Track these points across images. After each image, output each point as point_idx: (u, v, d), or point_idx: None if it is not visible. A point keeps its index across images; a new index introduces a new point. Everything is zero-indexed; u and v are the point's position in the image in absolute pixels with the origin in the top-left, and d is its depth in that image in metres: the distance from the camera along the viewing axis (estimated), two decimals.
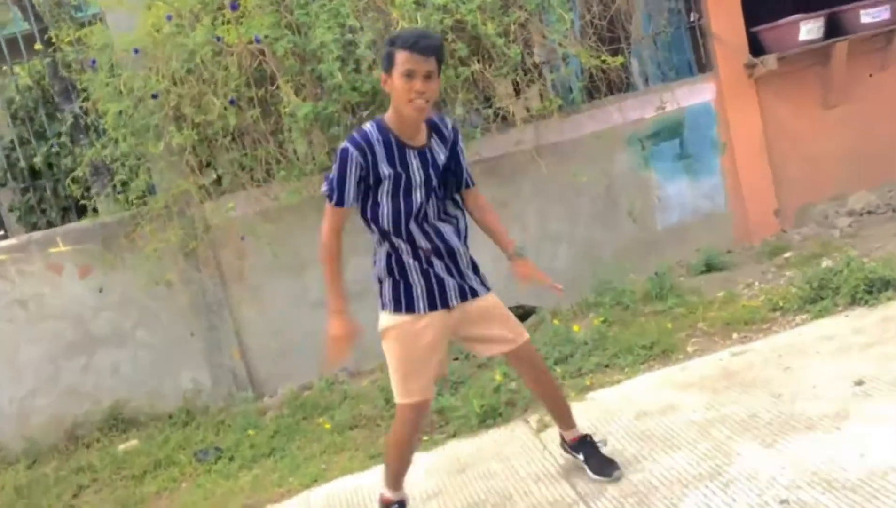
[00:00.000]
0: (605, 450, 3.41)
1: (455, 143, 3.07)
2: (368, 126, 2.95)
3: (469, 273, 3.12)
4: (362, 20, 4.90)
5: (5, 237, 6.02)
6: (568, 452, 3.46)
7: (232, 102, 5.01)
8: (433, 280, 3.01)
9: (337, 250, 2.96)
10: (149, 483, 4.73)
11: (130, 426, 5.43)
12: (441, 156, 3.01)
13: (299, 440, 4.77)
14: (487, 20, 5.05)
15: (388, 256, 3.02)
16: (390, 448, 3.25)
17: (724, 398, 3.79)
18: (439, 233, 3.02)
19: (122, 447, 5.15)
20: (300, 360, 5.61)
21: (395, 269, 3.01)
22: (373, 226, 3.00)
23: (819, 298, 4.64)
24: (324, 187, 2.96)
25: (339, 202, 2.92)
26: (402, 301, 3.00)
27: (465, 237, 3.14)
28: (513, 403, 4.37)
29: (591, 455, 3.35)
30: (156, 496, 4.60)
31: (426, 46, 2.80)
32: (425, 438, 4.22)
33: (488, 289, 3.17)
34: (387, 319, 3.05)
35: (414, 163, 2.94)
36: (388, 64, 2.84)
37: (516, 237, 5.83)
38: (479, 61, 5.18)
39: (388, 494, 3.29)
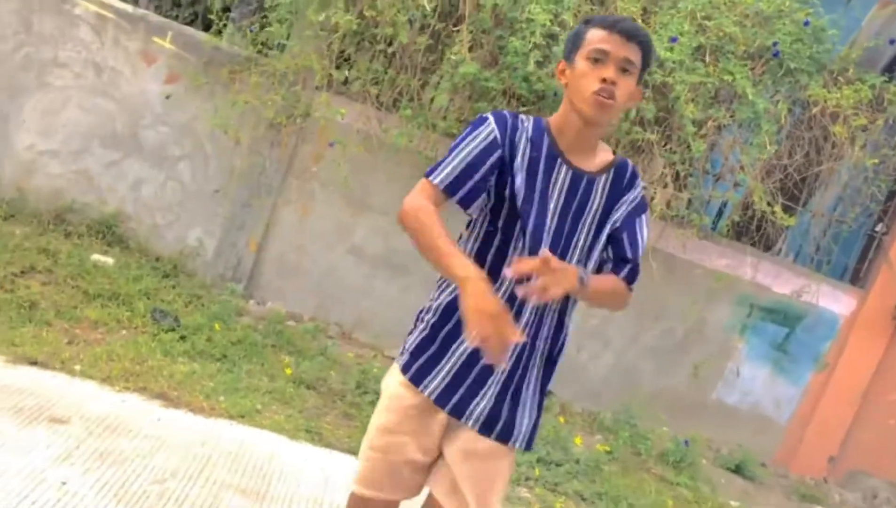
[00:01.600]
0: None
1: (635, 211, 2.11)
2: (523, 116, 2.10)
3: (518, 408, 2.08)
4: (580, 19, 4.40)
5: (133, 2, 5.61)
6: None
7: (410, 22, 4.58)
8: (470, 374, 2.05)
9: (431, 211, 1.92)
10: (95, 307, 4.31)
11: (115, 244, 5.01)
12: (599, 204, 2.05)
13: (254, 364, 4.31)
14: (692, 101, 4.51)
15: (448, 299, 2.06)
16: None
17: None
18: (536, 326, 2.06)
19: (95, 257, 4.73)
20: (305, 290, 5.15)
21: (441, 321, 2.07)
22: (469, 245, 2.08)
23: None
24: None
25: (432, 172, 1.99)
26: (415, 366, 2.09)
27: (553, 357, 2.14)
28: None
29: None
30: (92, 324, 4.18)
31: (630, 29, 1.97)
32: None
33: (522, 445, 2.11)
34: (393, 370, 2.17)
35: (561, 182, 2.02)
36: (573, 46, 2.02)
37: (576, 314, 5.30)
38: (654, 132, 4.65)
39: None
